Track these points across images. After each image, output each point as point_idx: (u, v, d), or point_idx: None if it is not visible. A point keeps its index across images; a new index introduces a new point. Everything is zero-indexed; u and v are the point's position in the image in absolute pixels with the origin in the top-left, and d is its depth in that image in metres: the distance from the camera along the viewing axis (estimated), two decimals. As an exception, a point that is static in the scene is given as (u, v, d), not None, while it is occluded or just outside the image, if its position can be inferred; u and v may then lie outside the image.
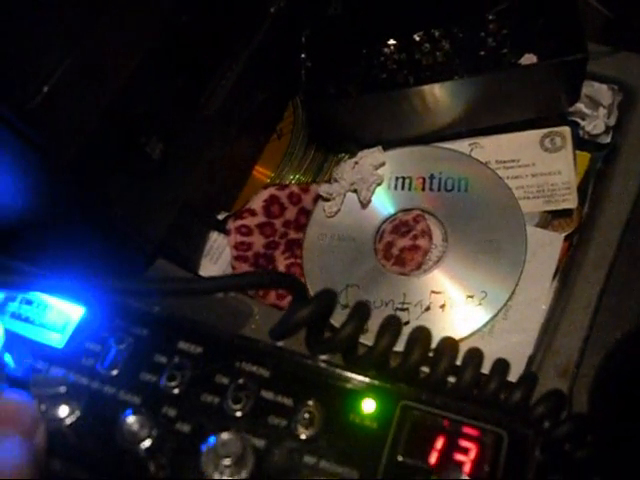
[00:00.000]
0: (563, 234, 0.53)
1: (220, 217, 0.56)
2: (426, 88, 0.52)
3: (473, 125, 0.56)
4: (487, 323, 0.50)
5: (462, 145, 0.57)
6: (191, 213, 0.53)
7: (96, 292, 0.31)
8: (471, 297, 0.51)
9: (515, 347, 0.50)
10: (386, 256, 0.54)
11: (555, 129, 0.55)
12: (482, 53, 0.54)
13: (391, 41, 0.57)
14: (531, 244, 0.52)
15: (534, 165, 0.55)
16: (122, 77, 0.39)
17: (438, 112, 0.55)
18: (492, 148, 0.56)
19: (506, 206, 0.53)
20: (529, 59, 0.52)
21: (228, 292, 0.46)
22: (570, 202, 0.54)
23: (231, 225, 0.55)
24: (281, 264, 0.55)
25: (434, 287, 0.52)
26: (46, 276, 0.30)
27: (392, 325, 0.34)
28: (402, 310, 0.51)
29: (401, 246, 0.54)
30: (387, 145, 0.57)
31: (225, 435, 0.28)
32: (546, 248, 0.52)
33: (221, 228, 0.55)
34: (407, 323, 0.50)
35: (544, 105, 0.54)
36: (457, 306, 0.51)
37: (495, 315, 0.51)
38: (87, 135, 0.37)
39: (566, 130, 0.55)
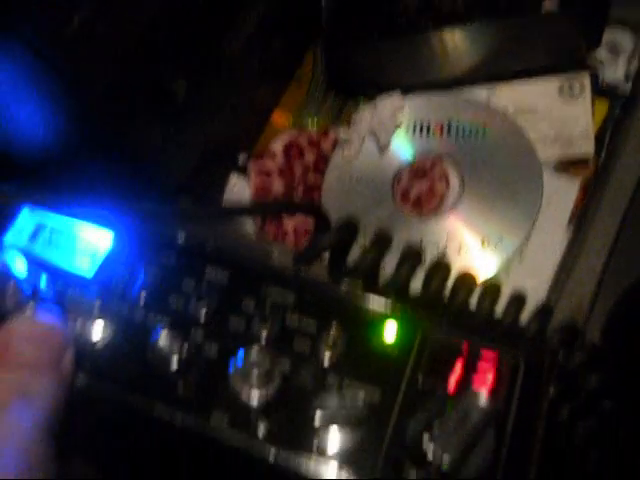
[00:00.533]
0: (579, 181, 0.54)
1: (241, 158, 0.57)
2: (446, 32, 0.53)
3: (491, 71, 0.56)
4: (502, 266, 0.51)
5: (480, 92, 0.57)
6: (212, 155, 0.53)
7: (125, 215, 0.32)
8: (487, 241, 0.52)
9: (529, 291, 0.51)
10: (404, 200, 0.55)
11: (574, 76, 0.55)
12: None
13: (411, -13, 0.57)
14: (547, 190, 0.53)
15: (551, 112, 0.55)
16: (150, 14, 0.40)
17: (457, 57, 0.55)
18: (510, 95, 0.57)
19: (523, 152, 0.54)
20: (550, 5, 0.52)
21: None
22: (587, 149, 0.54)
23: (251, 167, 0.56)
24: (300, 207, 0.55)
25: (450, 230, 0.53)
26: (81, 199, 0.31)
27: (412, 255, 0.35)
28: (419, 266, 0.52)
29: (418, 190, 0.55)
30: (406, 90, 0.58)
31: (254, 349, 0.29)
32: (562, 194, 0.53)
33: (241, 170, 0.56)
34: (424, 265, 0.51)
35: (563, 51, 0.54)
36: (473, 249, 0.52)
37: (510, 259, 0.52)
38: (116, 69, 0.38)
39: (585, 77, 0.55)
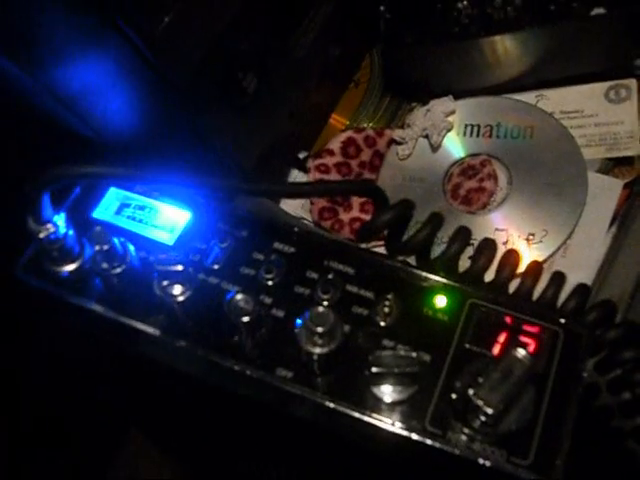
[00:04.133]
0: (623, 181, 0.56)
1: (301, 156, 0.61)
2: (497, 39, 0.56)
3: (540, 77, 0.59)
4: (546, 259, 0.54)
5: (528, 97, 0.60)
6: (275, 150, 0.57)
7: (199, 193, 0.36)
8: (532, 235, 0.55)
9: (573, 285, 0.54)
10: (454, 196, 0.58)
11: (621, 81, 0.57)
12: (552, 7, 0.57)
13: (464, -4, 0.61)
14: (591, 188, 0.55)
15: (597, 115, 0.58)
16: (228, 16, 0.44)
17: (507, 63, 0.58)
18: (557, 99, 0.59)
19: (569, 152, 0.57)
20: (598, 11, 0.55)
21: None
22: (632, 150, 0.56)
23: (311, 163, 0.60)
24: (355, 201, 0.59)
25: (498, 225, 0.56)
26: (165, 172, 0.35)
27: (462, 234, 0.39)
28: (468, 245, 0.55)
29: (468, 187, 0.58)
30: (457, 96, 0.61)
31: (319, 308, 0.33)
32: (606, 193, 0.56)
33: (301, 166, 0.60)
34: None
35: (611, 57, 0.57)
36: (519, 243, 0.55)
37: (554, 252, 0.54)
38: (197, 64, 0.42)
39: (632, 82, 0.57)
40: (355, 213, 0.58)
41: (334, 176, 0.60)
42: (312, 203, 0.59)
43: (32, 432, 0.54)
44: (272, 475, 0.51)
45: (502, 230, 0.55)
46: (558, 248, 0.54)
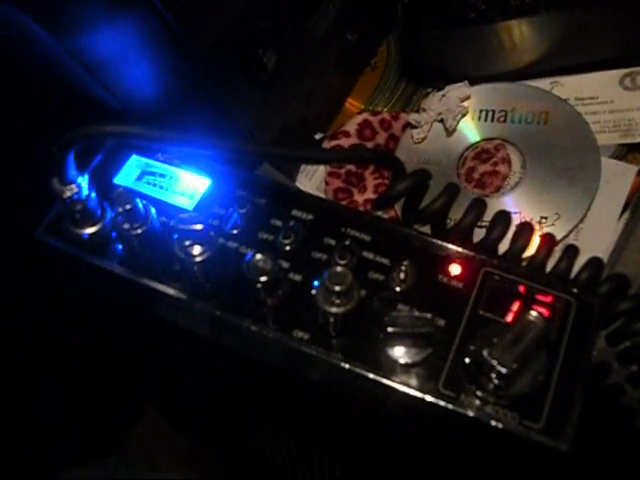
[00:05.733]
0: (637, 167, 0.57)
1: (317, 137, 0.61)
2: (513, 23, 0.56)
3: (556, 63, 0.59)
4: (558, 243, 0.54)
5: (543, 83, 0.61)
6: (291, 130, 0.58)
7: (216, 151, 0.36)
8: (545, 218, 0.55)
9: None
10: (467, 179, 0.59)
11: (636, 69, 0.58)
12: (569, -6, 0.58)
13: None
14: (604, 173, 0.56)
15: (612, 102, 0.58)
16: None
17: (523, 49, 0.59)
18: (572, 86, 0.60)
19: (582, 138, 0.57)
20: (614, -3, 0.56)
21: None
22: (645, 137, 0.57)
23: (327, 144, 0.60)
24: (370, 183, 0.60)
25: (511, 208, 0.56)
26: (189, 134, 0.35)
27: (477, 206, 0.39)
28: (481, 228, 0.56)
29: (482, 171, 0.58)
30: (473, 82, 0.61)
31: (337, 268, 0.33)
32: (619, 178, 0.56)
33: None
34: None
35: (626, 44, 0.57)
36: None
37: (566, 236, 0.55)
38: (219, 36, 0.43)
39: (647, 70, 0.58)
40: (370, 194, 0.59)
41: (349, 158, 0.60)
42: (327, 184, 0.60)
43: (47, 395, 0.55)
44: (292, 450, 0.51)
45: (515, 213, 0.56)
46: (570, 232, 0.55)
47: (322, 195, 0.60)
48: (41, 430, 0.56)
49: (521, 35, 0.58)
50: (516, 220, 0.55)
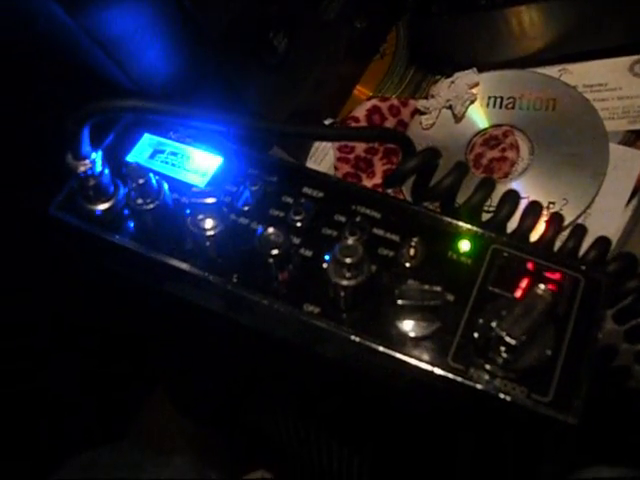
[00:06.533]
0: (644, 153, 0.57)
1: (326, 122, 0.62)
2: (522, 9, 0.57)
3: (564, 50, 0.60)
4: (567, 227, 0.55)
5: (552, 70, 0.61)
6: (301, 115, 0.58)
7: (227, 126, 0.37)
8: (552, 203, 0.56)
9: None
10: (476, 165, 0.59)
11: (645, 54, 0.58)
12: (577, -20, 0.58)
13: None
14: (612, 159, 0.56)
15: (621, 89, 0.59)
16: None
17: (532, 35, 0.59)
18: (581, 73, 0.60)
19: (591, 124, 0.57)
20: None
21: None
22: (654, 124, 0.57)
23: (336, 130, 0.61)
24: (379, 169, 0.60)
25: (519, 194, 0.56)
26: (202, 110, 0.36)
27: (487, 184, 0.40)
28: (489, 213, 0.56)
29: (490, 157, 0.59)
30: (481, 69, 0.62)
31: (349, 240, 0.34)
32: (627, 164, 0.56)
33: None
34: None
35: (637, 30, 0.58)
36: (539, 211, 0.55)
37: (574, 221, 0.55)
38: (232, 17, 0.44)
39: (657, 56, 0.58)
40: (378, 180, 0.59)
41: (359, 143, 0.61)
42: (336, 169, 0.60)
43: (60, 373, 0.56)
44: (300, 432, 0.52)
45: (523, 198, 0.56)
46: (577, 217, 0.55)
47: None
48: (55, 409, 0.57)
49: (530, 21, 0.58)
50: (523, 205, 0.56)
